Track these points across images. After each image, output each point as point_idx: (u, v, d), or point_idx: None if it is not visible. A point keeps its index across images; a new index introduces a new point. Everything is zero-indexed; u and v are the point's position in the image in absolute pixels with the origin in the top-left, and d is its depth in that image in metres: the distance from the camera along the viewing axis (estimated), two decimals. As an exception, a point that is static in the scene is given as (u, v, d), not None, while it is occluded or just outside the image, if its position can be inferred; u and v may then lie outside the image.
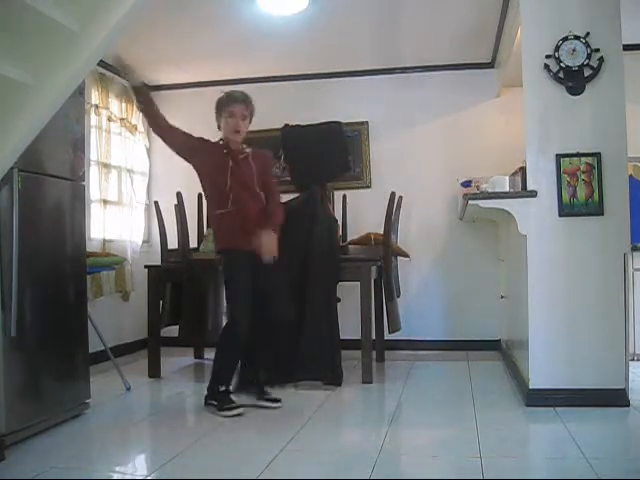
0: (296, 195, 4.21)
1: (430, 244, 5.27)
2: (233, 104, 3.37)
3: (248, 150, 3.44)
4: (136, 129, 5.35)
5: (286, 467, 2.42)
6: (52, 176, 2.98)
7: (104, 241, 4.80)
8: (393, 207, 4.32)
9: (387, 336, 4.66)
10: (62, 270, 3.08)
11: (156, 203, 4.52)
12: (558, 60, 3.28)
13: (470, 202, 3.50)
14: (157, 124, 3.35)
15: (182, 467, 2.44)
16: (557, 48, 3.28)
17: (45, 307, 2.91)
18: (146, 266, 4.38)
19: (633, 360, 4.05)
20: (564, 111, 3.28)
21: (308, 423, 3.04)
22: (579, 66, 3.25)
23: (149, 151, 5.64)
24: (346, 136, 4.93)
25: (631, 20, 3.60)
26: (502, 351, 4.86)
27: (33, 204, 2.84)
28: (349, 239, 4.84)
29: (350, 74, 5.39)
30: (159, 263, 4.43)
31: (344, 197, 5.10)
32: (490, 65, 5.22)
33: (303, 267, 3.89)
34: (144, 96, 3.30)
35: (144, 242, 5.48)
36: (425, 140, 5.32)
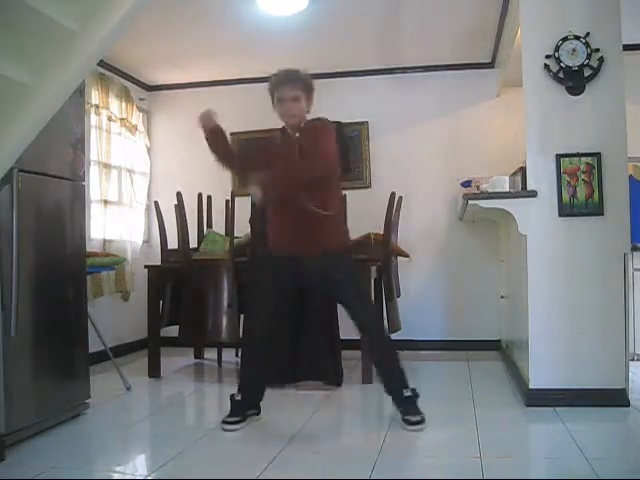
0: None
1: (430, 244, 5.26)
2: (278, 87, 2.97)
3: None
4: (136, 129, 5.34)
5: (286, 467, 2.42)
6: (52, 176, 2.98)
7: (104, 241, 4.81)
8: (393, 207, 4.32)
9: (387, 336, 4.66)
10: (62, 270, 3.07)
11: (156, 203, 4.52)
12: (558, 60, 3.28)
13: (470, 202, 3.50)
14: (232, 166, 3.13)
15: (182, 467, 2.45)
16: (557, 48, 3.28)
17: (45, 307, 2.91)
18: (146, 266, 4.38)
19: (633, 360, 4.05)
20: (564, 111, 3.28)
21: (308, 423, 3.04)
22: (579, 66, 3.25)
23: (149, 151, 5.64)
24: (347, 137, 4.91)
25: (631, 20, 3.60)
26: (502, 351, 4.86)
27: (33, 204, 2.84)
28: (349, 239, 4.83)
29: (350, 74, 5.39)
30: (159, 263, 4.44)
31: (344, 197, 5.09)
32: (490, 65, 5.22)
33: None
34: (221, 142, 2.99)
35: (144, 242, 5.48)
36: (425, 140, 5.32)
